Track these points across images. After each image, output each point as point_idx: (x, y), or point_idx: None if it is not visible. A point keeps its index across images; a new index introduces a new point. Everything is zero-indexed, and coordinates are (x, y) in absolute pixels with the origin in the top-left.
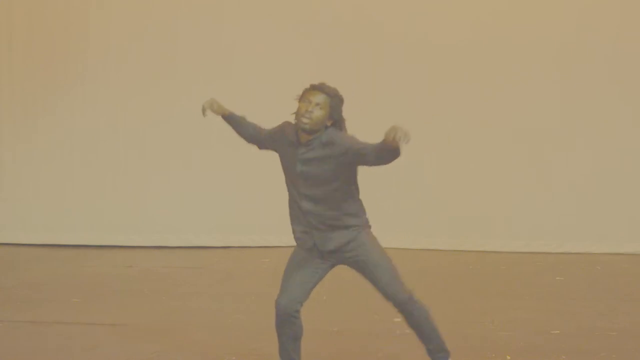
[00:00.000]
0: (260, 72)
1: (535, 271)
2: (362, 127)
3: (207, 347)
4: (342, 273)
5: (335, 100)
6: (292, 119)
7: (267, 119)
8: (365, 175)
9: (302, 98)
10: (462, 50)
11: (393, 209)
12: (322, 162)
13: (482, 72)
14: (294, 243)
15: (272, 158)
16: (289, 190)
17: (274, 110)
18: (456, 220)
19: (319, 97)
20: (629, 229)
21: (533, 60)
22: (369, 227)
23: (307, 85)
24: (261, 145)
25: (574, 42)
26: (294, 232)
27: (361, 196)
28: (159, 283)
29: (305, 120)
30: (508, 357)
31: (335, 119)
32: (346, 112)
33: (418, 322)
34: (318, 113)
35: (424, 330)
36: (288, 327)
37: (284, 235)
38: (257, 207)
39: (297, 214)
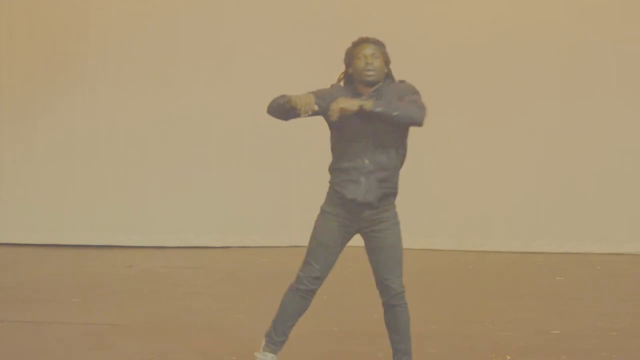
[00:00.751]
0: (260, 72)
1: (535, 271)
2: None
3: (207, 347)
4: (342, 272)
5: (383, 47)
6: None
7: (267, 119)
8: None
9: (354, 56)
10: (461, 50)
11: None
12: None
13: (482, 72)
14: (294, 243)
15: (272, 158)
16: (343, 151)
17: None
18: (456, 220)
19: (371, 49)
20: (629, 229)
21: (533, 60)
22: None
23: (354, 41)
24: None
25: (574, 42)
26: (335, 185)
27: None
28: (159, 283)
29: (369, 73)
30: (508, 357)
31: (387, 68)
32: None
33: (401, 319)
34: (377, 63)
35: (402, 330)
36: (300, 303)
37: (284, 235)
38: (257, 207)
39: (349, 166)
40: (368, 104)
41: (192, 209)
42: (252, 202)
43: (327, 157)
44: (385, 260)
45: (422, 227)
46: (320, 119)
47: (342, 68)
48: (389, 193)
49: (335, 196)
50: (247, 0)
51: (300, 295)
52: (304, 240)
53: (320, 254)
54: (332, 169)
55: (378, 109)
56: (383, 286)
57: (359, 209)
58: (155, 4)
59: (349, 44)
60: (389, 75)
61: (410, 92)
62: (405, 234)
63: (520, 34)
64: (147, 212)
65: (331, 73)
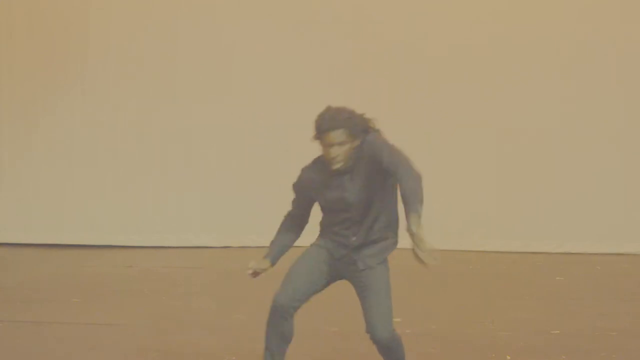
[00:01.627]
0: (260, 73)
1: (535, 271)
2: None
3: (207, 347)
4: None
5: (350, 123)
6: (291, 124)
7: (267, 120)
8: None
9: (320, 142)
10: (462, 50)
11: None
12: (365, 178)
13: (481, 72)
14: (293, 243)
15: (271, 158)
16: (328, 215)
17: (274, 112)
18: (456, 220)
19: (331, 137)
20: (629, 229)
21: (533, 61)
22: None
23: (315, 124)
24: (308, 209)
25: (574, 43)
26: (328, 239)
27: None
28: (159, 283)
29: (336, 165)
30: (508, 357)
31: (361, 136)
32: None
33: (394, 356)
34: (343, 149)
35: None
36: (279, 325)
37: None
38: (257, 207)
39: (333, 230)
40: (416, 226)
41: (192, 209)
42: (252, 202)
43: None
44: (373, 304)
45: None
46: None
47: (342, 69)
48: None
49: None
50: (247, 2)
51: (274, 316)
52: (304, 240)
53: (297, 277)
54: (322, 225)
55: (420, 217)
56: (370, 329)
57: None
58: (156, 4)
59: (349, 45)
60: (363, 137)
61: (383, 152)
62: (406, 234)
63: (519, 35)
64: (147, 212)
65: (331, 74)
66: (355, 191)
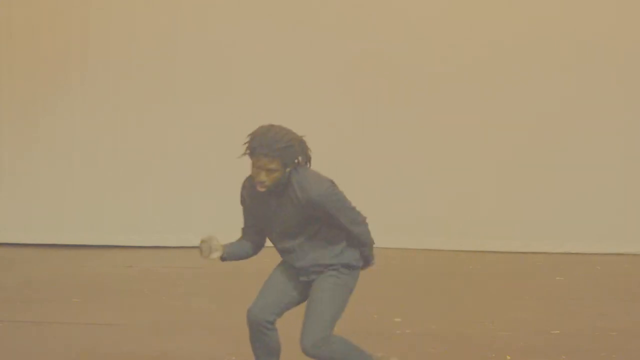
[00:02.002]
0: (260, 73)
1: (535, 271)
2: (359, 128)
3: (207, 347)
4: None
5: (286, 154)
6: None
7: (266, 120)
8: (364, 175)
9: (251, 160)
10: (461, 51)
11: (393, 209)
12: (294, 206)
13: (481, 72)
14: None
15: None
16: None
17: (274, 112)
18: (456, 220)
19: (266, 161)
20: (629, 229)
21: (533, 60)
22: (355, 267)
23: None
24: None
25: (574, 43)
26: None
27: (360, 197)
28: (159, 283)
29: (261, 188)
30: (508, 357)
31: (293, 164)
32: (343, 113)
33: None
34: (271, 176)
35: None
36: (260, 338)
37: None
38: None
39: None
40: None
41: (192, 209)
42: None
43: (325, 157)
44: (307, 310)
45: (422, 227)
46: (327, 110)
47: (343, 69)
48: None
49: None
50: (247, 3)
51: (252, 331)
52: None
53: (269, 287)
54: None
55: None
56: (301, 336)
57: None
58: (156, 4)
59: (347, 47)
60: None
61: (340, 216)
62: (406, 234)
63: (520, 34)
64: (147, 212)
65: (331, 74)
66: (283, 218)
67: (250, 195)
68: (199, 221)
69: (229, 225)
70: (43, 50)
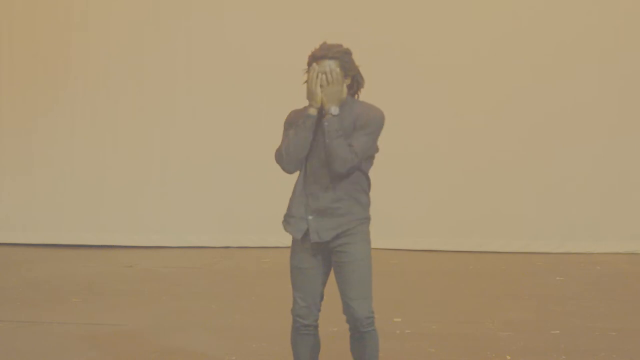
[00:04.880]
0: (260, 73)
1: (535, 271)
2: None
3: (207, 347)
4: None
5: (343, 56)
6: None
7: (267, 119)
8: None
9: (310, 72)
10: (460, 51)
11: (393, 210)
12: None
13: (481, 72)
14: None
15: (271, 158)
16: (306, 172)
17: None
18: (456, 220)
19: (326, 63)
20: (628, 229)
21: (533, 61)
22: (369, 220)
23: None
24: None
25: (574, 43)
26: (289, 218)
27: None
28: (159, 283)
29: (317, 98)
30: (508, 357)
31: (350, 75)
32: None
33: (370, 348)
34: (331, 87)
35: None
36: (307, 340)
37: (283, 236)
38: (256, 207)
39: (301, 198)
40: (328, 116)
41: (192, 209)
42: (251, 202)
43: None
44: (349, 281)
45: (422, 228)
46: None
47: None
48: (339, 212)
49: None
50: (247, 4)
51: (300, 333)
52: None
53: (300, 280)
54: (294, 196)
55: (328, 126)
56: (348, 310)
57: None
58: (156, 4)
59: (350, 43)
60: (353, 86)
61: (366, 128)
62: (406, 235)
63: (520, 34)
64: (147, 212)
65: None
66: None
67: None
68: (199, 221)
69: (229, 225)
70: (43, 50)
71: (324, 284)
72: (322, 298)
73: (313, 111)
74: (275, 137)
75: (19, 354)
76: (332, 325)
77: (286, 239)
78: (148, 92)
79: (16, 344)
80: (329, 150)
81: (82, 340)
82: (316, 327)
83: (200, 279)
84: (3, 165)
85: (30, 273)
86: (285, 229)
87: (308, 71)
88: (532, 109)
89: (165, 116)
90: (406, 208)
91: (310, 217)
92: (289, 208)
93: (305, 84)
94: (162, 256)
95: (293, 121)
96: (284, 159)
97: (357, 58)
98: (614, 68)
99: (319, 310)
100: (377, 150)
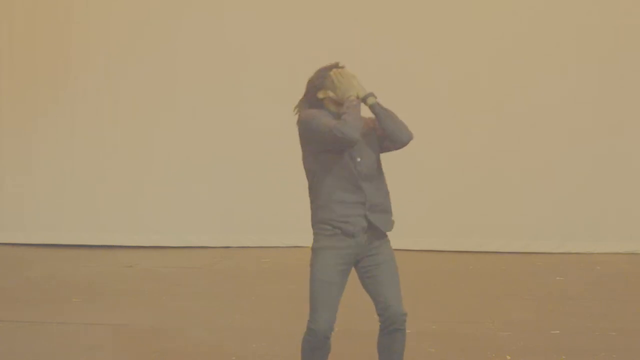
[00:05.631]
0: (260, 73)
1: (535, 271)
2: None
3: (207, 347)
4: None
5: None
6: None
7: (267, 119)
8: None
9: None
10: (460, 51)
11: (393, 210)
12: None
13: (481, 72)
14: (293, 243)
15: (271, 158)
16: (332, 181)
17: (274, 112)
18: (456, 220)
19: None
20: (628, 229)
21: (533, 62)
22: None
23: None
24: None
25: (574, 43)
26: (331, 221)
27: None
28: (159, 283)
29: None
30: (508, 357)
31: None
32: None
33: (399, 345)
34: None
35: (397, 356)
36: (323, 350)
37: (283, 236)
38: (256, 207)
39: (341, 203)
40: (372, 100)
41: (192, 209)
42: (251, 202)
43: None
44: (386, 280)
45: (422, 228)
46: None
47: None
48: (385, 208)
49: (329, 231)
50: (247, 4)
51: (317, 345)
52: (304, 240)
53: (327, 295)
54: (320, 205)
55: (381, 110)
56: (385, 308)
57: (366, 239)
58: (156, 4)
59: (353, 43)
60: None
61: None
62: (406, 235)
63: (522, 36)
64: (147, 212)
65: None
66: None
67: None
68: (199, 221)
69: (229, 225)
70: (43, 50)
71: (340, 299)
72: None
73: (355, 98)
74: (275, 137)
75: (19, 354)
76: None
77: (287, 239)
78: (148, 92)
79: (16, 344)
80: (392, 123)
81: (82, 340)
82: (330, 338)
83: (200, 279)
84: (3, 165)
85: (30, 273)
86: (343, 230)
87: (326, 81)
88: (532, 109)
89: (165, 116)
90: (406, 208)
91: (367, 214)
92: (329, 212)
93: (333, 86)
94: (162, 256)
95: (323, 114)
96: (351, 127)
97: (356, 57)
98: (614, 68)
99: (334, 325)
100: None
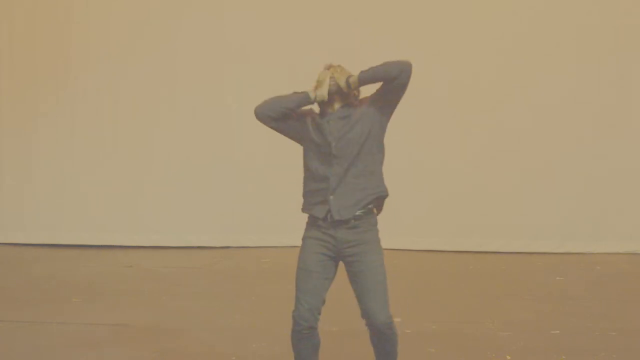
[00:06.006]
0: (260, 73)
1: (535, 271)
2: None
3: (207, 347)
4: (342, 272)
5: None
6: None
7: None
8: None
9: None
10: (459, 51)
11: (393, 210)
12: (353, 121)
13: (481, 72)
14: (293, 243)
15: (271, 158)
16: (310, 167)
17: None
18: (456, 220)
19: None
20: (628, 229)
21: (533, 62)
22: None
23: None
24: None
25: (574, 43)
26: (308, 205)
27: None
28: (159, 283)
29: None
30: (508, 357)
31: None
32: None
33: (390, 345)
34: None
35: (390, 354)
36: (308, 340)
37: (283, 236)
38: (256, 207)
39: (316, 187)
40: (353, 78)
41: (192, 209)
42: (251, 202)
43: None
44: (367, 289)
45: (422, 228)
46: None
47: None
48: (366, 205)
49: (310, 220)
50: (247, 4)
51: (302, 335)
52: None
53: (306, 282)
54: (303, 195)
55: (364, 75)
56: (367, 317)
57: (336, 228)
58: (156, 3)
59: (353, 44)
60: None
61: (374, 95)
62: (406, 235)
63: (520, 37)
64: (147, 212)
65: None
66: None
67: (306, 120)
68: (199, 221)
69: (229, 225)
70: (43, 51)
71: (327, 289)
72: (323, 303)
73: (312, 95)
74: (275, 138)
75: (19, 354)
76: (332, 325)
77: (287, 239)
78: (148, 92)
79: (16, 344)
80: (380, 73)
81: (82, 340)
82: (316, 328)
83: (200, 279)
84: (3, 165)
85: (30, 273)
86: (313, 217)
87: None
88: (532, 109)
89: (165, 116)
90: (406, 208)
91: (331, 197)
92: (305, 202)
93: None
94: (162, 256)
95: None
96: (259, 106)
97: (353, 57)
98: (614, 68)
99: (320, 314)
100: (383, 149)
